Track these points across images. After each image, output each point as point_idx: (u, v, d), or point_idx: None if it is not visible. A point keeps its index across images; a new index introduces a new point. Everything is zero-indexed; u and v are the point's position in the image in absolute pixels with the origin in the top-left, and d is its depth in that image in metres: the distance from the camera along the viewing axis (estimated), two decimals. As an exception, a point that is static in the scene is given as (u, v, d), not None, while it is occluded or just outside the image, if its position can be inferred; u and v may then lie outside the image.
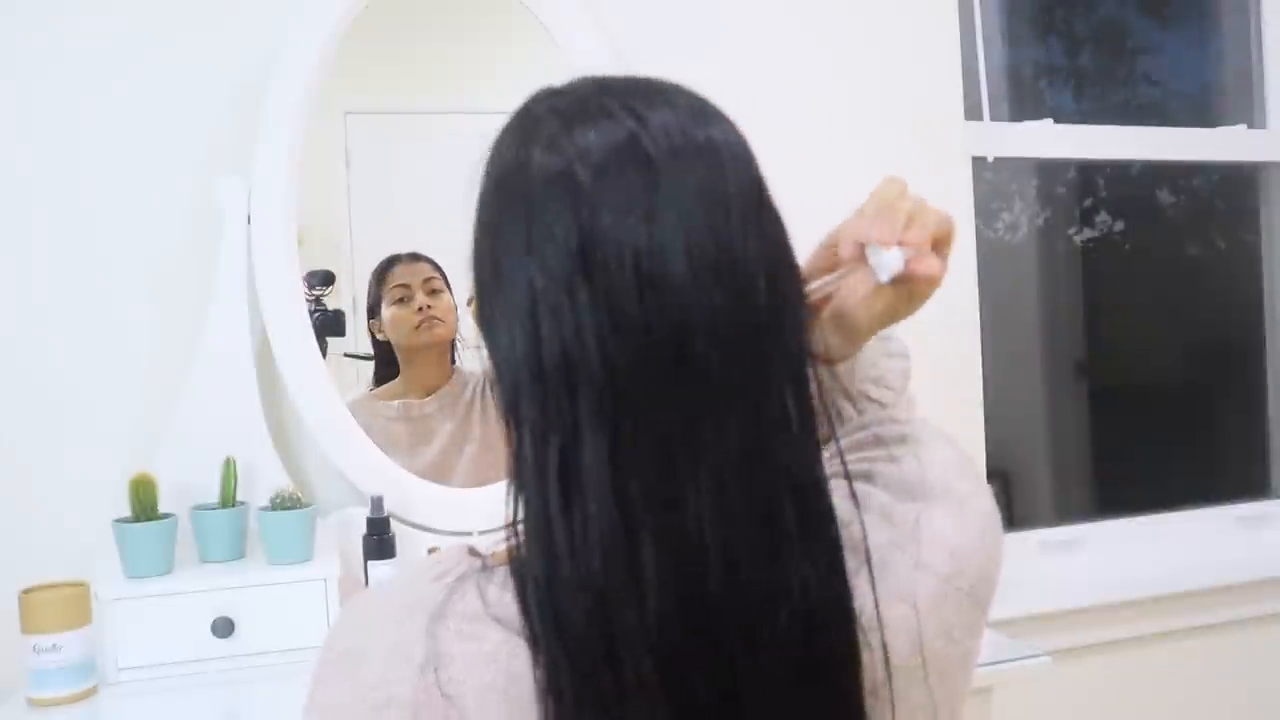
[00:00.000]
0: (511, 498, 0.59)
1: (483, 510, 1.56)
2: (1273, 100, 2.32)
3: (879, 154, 1.88)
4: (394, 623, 0.58)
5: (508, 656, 0.56)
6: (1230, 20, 2.40)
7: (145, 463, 1.42)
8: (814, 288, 0.68)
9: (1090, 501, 2.35)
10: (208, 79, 1.55)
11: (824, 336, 0.71)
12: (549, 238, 0.57)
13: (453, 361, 1.71)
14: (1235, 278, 2.43)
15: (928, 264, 0.65)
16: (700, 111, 0.61)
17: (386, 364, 1.68)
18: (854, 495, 0.63)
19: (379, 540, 1.48)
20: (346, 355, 1.65)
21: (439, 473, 1.63)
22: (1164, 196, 2.42)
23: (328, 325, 1.61)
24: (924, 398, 0.80)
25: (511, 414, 0.59)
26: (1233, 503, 2.27)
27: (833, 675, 0.58)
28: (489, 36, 1.69)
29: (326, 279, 1.63)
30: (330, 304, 1.63)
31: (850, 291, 0.70)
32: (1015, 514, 2.22)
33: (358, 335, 1.66)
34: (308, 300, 1.57)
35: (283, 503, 1.42)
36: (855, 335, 0.72)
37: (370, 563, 1.48)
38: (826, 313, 0.71)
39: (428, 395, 1.68)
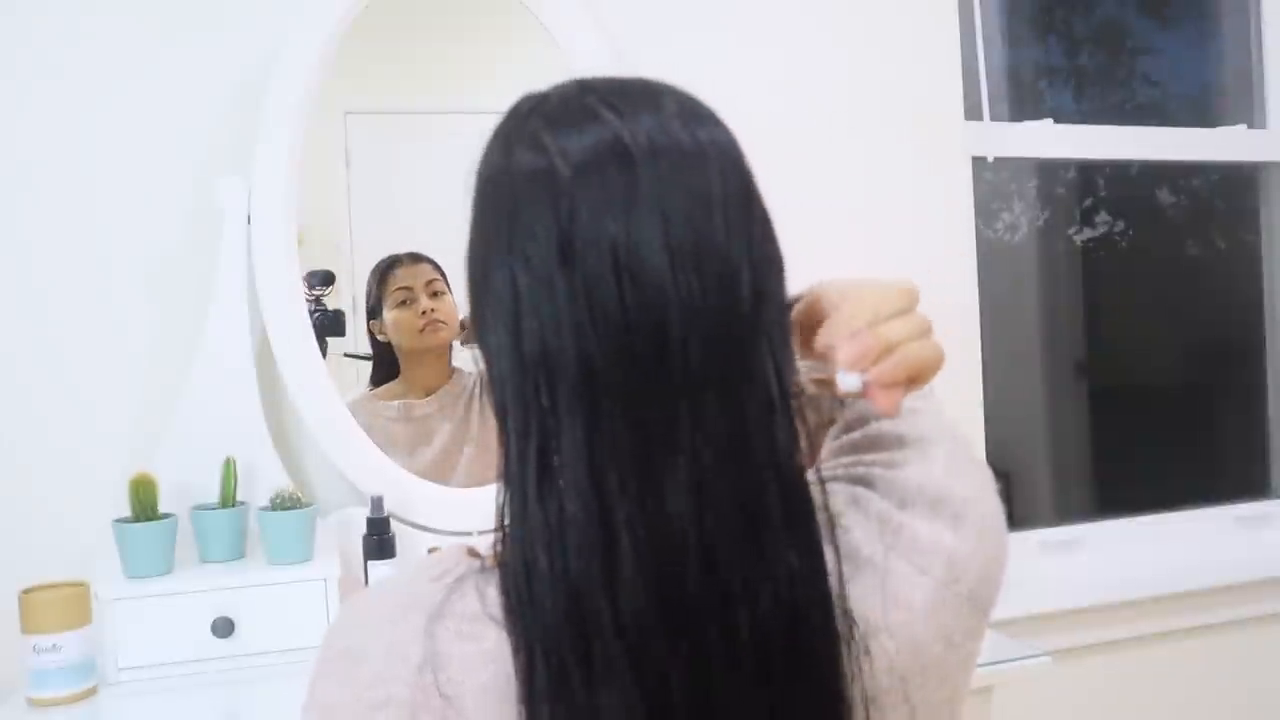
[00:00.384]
0: (498, 495, 0.59)
1: (482, 510, 1.57)
2: (1272, 100, 2.32)
3: (879, 154, 1.88)
4: (392, 622, 0.58)
5: (506, 657, 0.56)
6: (1230, 20, 2.40)
7: (145, 463, 1.42)
8: (803, 371, 0.66)
9: (1090, 501, 2.35)
10: (208, 79, 1.55)
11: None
12: (530, 235, 0.58)
13: (452, 362, 1.71)
14: (1235, 278, 2.43)
15: (883, 399, 0.62)
16: (688, 112, 0.61)
17: (386, 364, 1.68)
18: (855, 500, 0.63)
19: (379, 540, 1.48)
20: (346, 355, 1.65)
21: (439, 473, 1.63)
22: (1164, 196, 2.42)
23: (328, 325, 1.61)
24: (924, 398, 0.80)
25: (500, 413, 0.60)
26: (1233, 503, 2.27)
27: (813, 671, 0.58)
28: (489, 36, 1.69)
29: (326, 279, 1.63)
30: (330, 304, 1.63)
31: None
32: (1015, 514, 2.22)
33: (358, 335, 1.66)
34: (308, 300, 1.57)
35: (283, 503, 1.42)
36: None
37: (370, 563, 1.48)
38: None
39: (428, 395, 1.68)
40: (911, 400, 0.69)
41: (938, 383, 0.74)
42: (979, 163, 2.03)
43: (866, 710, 0.59)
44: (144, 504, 1.37)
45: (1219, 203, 2.45)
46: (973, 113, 2.01)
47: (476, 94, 1.68)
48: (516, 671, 0.55)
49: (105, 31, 1.51)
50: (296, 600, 1.36)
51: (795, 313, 0.67)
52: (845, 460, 0.68)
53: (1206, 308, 2.44)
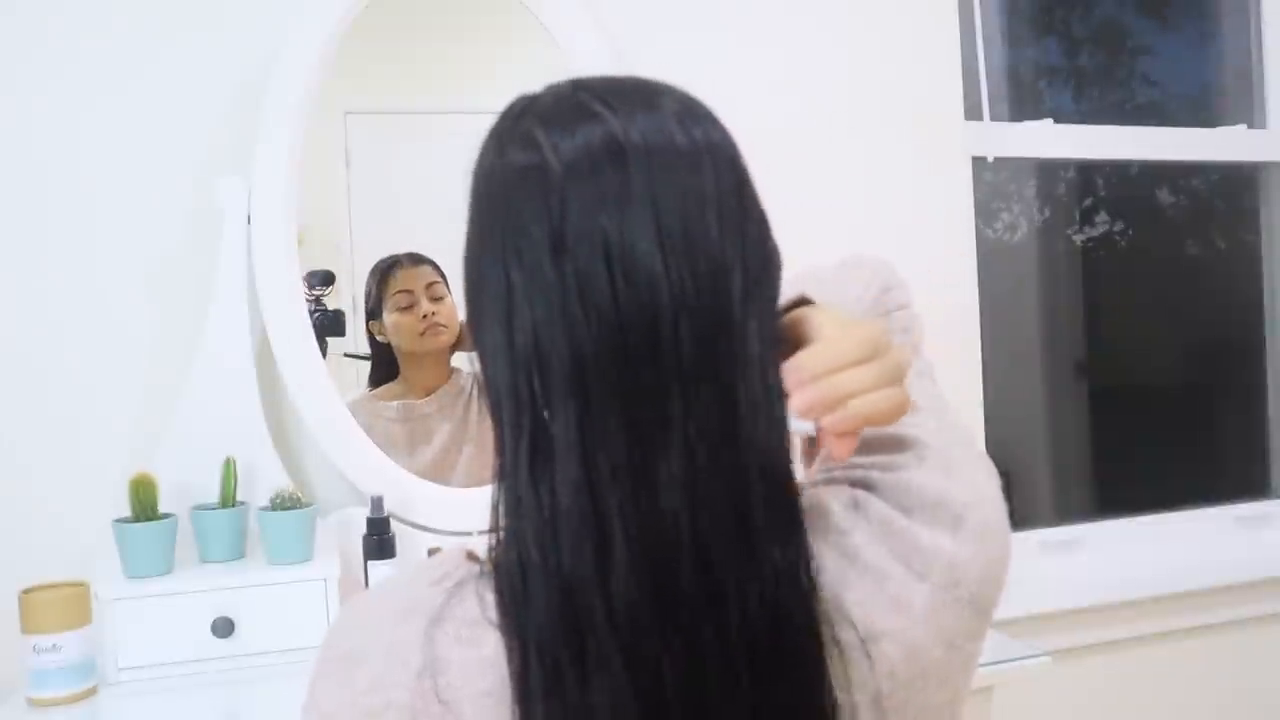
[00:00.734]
0: (493, 495, 0.60)
1: (482, 510, 1.57)
2: (1272, 100, 2.32)
3: (879, 154, 1.88)
4: (391, 626, 0.58)
5: (505, 663, 0.56)
6: (1230, 20, 2.40)
7: (145, 463, 1.42)
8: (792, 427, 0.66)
9: (1090, 501, 2.35)
10: (208, 79, 1.55)
11: None
12: (522, 231, 0.58)
13: (451, 362, 1.71)
14: (1235, 278, 2.43)
15: (836, 447, 0.62)
16: (685, 110, 0.61)
17: (386, 364, 1.68)
18: (855, 503, 0.63)
19: (379, 540, 1.48)
20: (346, 355, 1.65)
21: (438, 472, 1.64)
22: (1164, 196, 2.42)
23: (327, 325, 1.61)
24: (924, 398, 0.80)
25: (494, 411, 0.60)
26: (1233, 503, 2.27)
27: (794, 672, 0.58)
28: (489, 36, 1.69)
29: (326, 279, 1.63)
30: (330, 304, 1.63)
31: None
32: (1015, 514, 2.17)
33: (357, 335, 1.66)
34: (307, 300, 1.57)
35: (283, 503, 1.42)
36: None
37: (370, 563, 1.48)
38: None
39: (427, 395, 1.68)
40: (912, 388, 0.69)
41: (939, 380, 0.73)
42: (979, 163, 2.03)
43: (861, 713, 0.59)
44: (144, 504, 1.37)
45: (1219, 203, 2.45)
46: (973, 113, 2.01)
47: (476, 94, 1.68)
48: (510, 672, 0.55)
49: (105, 31, 1.51)
50: (296, 600, 1.36)
51: (782, 323, 0.67)
52: (850, 461, 0.67)
53: (1206, 308, 2.44)
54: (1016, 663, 1.36)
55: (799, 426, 0.63)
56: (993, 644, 1.39)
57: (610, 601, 0.55)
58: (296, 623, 1.35)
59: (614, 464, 0.56)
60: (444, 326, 1.66)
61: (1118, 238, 2.37)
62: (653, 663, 0.55)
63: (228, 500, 1.43)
